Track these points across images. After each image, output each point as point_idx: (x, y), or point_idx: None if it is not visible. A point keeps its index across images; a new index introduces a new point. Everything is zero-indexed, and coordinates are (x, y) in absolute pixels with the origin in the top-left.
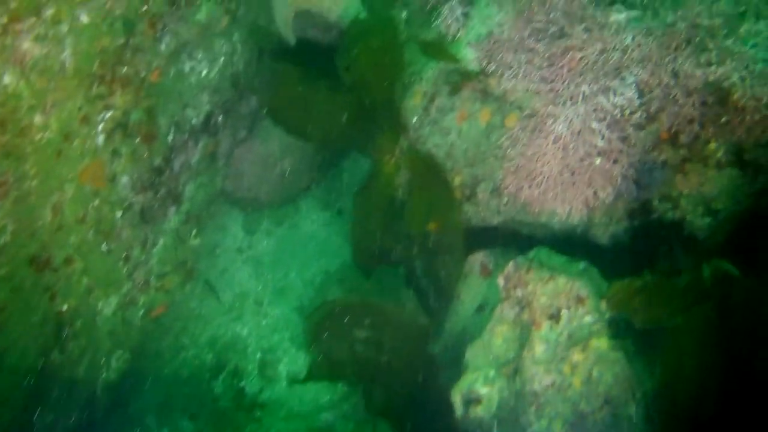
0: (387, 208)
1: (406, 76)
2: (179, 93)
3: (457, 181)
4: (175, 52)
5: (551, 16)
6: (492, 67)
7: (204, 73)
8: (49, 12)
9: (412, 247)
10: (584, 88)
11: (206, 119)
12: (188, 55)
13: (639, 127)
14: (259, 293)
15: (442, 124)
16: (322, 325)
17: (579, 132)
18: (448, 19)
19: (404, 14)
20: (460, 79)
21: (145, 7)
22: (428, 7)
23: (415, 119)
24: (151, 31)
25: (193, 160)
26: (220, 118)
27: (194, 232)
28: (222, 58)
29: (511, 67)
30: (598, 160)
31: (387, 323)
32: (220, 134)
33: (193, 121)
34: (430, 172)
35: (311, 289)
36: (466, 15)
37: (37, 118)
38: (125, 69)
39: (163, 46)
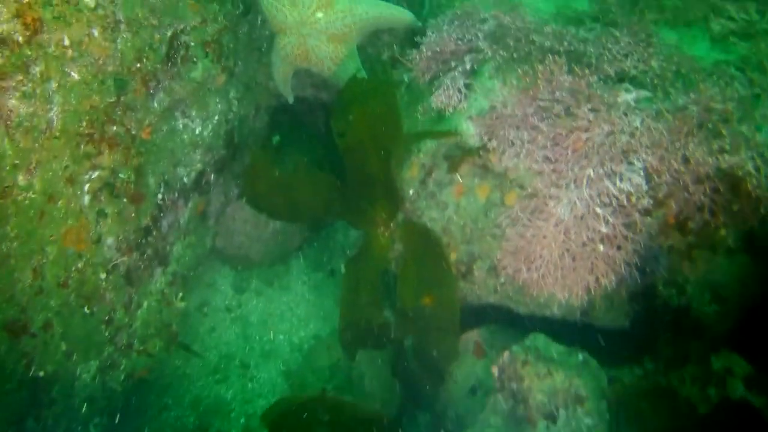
0: (378, 282)
1: (404, 146)
2: (171, 151)
3: (452, 257)
4: (168, 109)
5: (557, 94)
6: (493, 143)
7: (198, 131)
8: (37, 69)
9: (404, 324)
10: (589, 171)
11: (198, 178)
12: (182, 112)
13: (646, 212)
14: (246, 355)
15: (439, 198)
16: (279, 423)
17: (582, 216)
18: (449, 89)
19: (405, 79)
20: (459, 153)
21: (138, 65)
22: (429, 75)
23: (411, 191)
24: (143, 89)
25: (182, 220)
26: (212, 177)
27: (180, 294)
28: (216, 116)
29: (513, 145)
30: (601, 247)
31: (348, 421)
32: (211, 193)
33: (184, 180)
34: (426, 246)
35: (299, 355)
36: (468, 86)
37: (21, 178)
38: (115, 127)
39: (155, 104)
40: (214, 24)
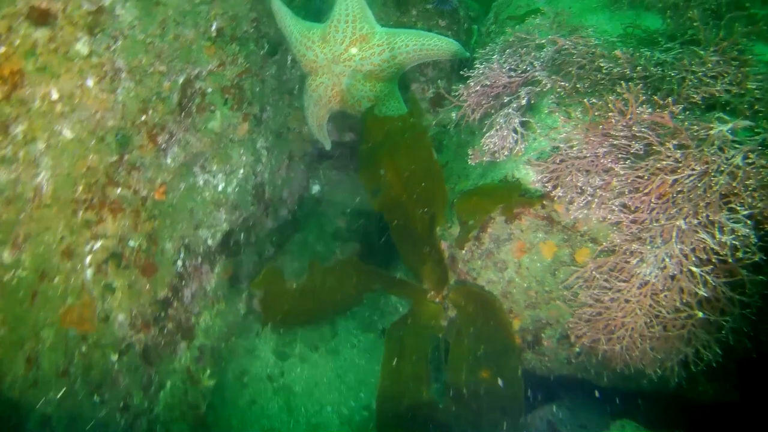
0: (425, 352)
1: (448, 203)
2: (190, 212)
3: (516, 324)
4: (184, 165)
5: (634, 129)
6: (559, 192)
7: (221, 187)
8: (19, 129)
9: (456, 404)
10: (680, 221)
11: (224, 239)
12: (201, 167)
13: (756, 270)
14: (290, 430)
15: (497, 257)
16: None
17: (673, 276)
18: (502, 130)
19: (453, 117)
20: (519, 204)
21: (144, 117)
22: (480, 113)
23: (464, 250)
24: (151, 144)
25: (208, 287)
26: (241, 236)
27: (208, 371)
28: (242, 170)
29: (582, 192)
30: (700, 313)
31: None
32: (242, 254)
33: (209, 243)
34: (483, 311)
35: (349, 428)
36: (524, 125)
37: (6, 256)
38: (119, 190)
39: (169, 160)
40: (234, 67)
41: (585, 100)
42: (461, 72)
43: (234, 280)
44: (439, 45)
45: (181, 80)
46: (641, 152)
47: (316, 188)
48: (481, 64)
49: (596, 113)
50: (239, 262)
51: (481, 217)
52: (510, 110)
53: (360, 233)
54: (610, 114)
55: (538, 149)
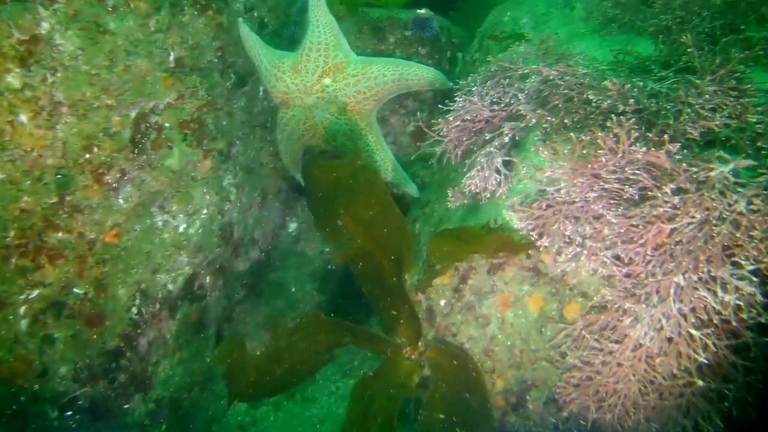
0: (393, 416)
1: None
2: (147, 255)
3: (499, 385)
4: (140, 205)
5: (627, 171)
6: (545, 241)
7: (181, 228)
8: None
9: None
10: (678, 277)
11: (187, 283)
12: (159, 207)
13: (762, 332)
14: None
15: (478, 311)
16: None
17: (671, 340)
18: (485, 171)
19: (435, 154)
20: (502, 254)
21: (88, 155)
22: (461, 149)
23: (443, 302)
24: (97, 185)
25: (168, 335)
26: (207, 280)
27: (164, 426)
28: (206, 210)
29: (571, 242)
30: (700, 381)
31: None
32: (208, 299)
33: (169, 287)
34: (462, 374)
35: None
36: (508, 165)
37: None
38: (60, 234)
39: (121, 200)
40: (194, 100)
41: (573, 135)
42: (440, 106)
43: (199, 326)
44: (419, 74)
45: (133, 114)
46: (635, 197)
47: (293, 226)
48: (461, 96)
49: (584, 151)
50: (205, 306)
51: (451, 263)
52: (492, 148)
53: (340, 273)
54: (600, 152)
55: (522, 192)
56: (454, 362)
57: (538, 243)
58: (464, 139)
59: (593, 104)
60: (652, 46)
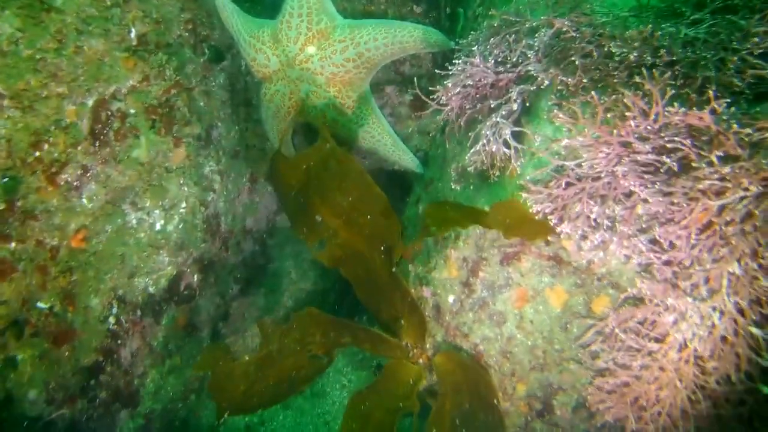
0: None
1: (402, 238)
2: (122, 258)
3: (520, 390)
4: (109, 203)
5: (663, 137)
6: (566, 227)
7: (158, 226)
8: None
9: None
10: (732, 265)
11: (171, 284)
12: (132, 204)
13: None
14: None
15: (493, 308)
16: None
17: (724, 339)
18: (492, 145)
19: (438, 124)
20: (516, 241)
21: (38, 153)
22: (464, 119)
23: (451, 298)
24: (52, 186)
25: (154, 342)
26: (195, 278)
27: None
28: (184, 203)
29: (597, 225)
30: (765, 388)
31: None
32: (198, 298)
33: (150, 290)
34: (472, 387)
35: None
36: (518, 137)
37: None
38: (12, 245)
39: (85, 200)
40: (161, 82)
41: (594, 95)
42: (437, 71)
43: (190, 328)
44: (415, 35)
45: (90, 102)
46: (675, 168)
47: None
48: (461, 58)
49: (609, 115)
50: (195, 307)
51: (448, 228)
52: (498, 118)
53: None
54: (628, 115)
55: (536, 169)
56: (466, 374)
57: (559, 229)
58: (467, 107)
59: (616, 58)
60: None
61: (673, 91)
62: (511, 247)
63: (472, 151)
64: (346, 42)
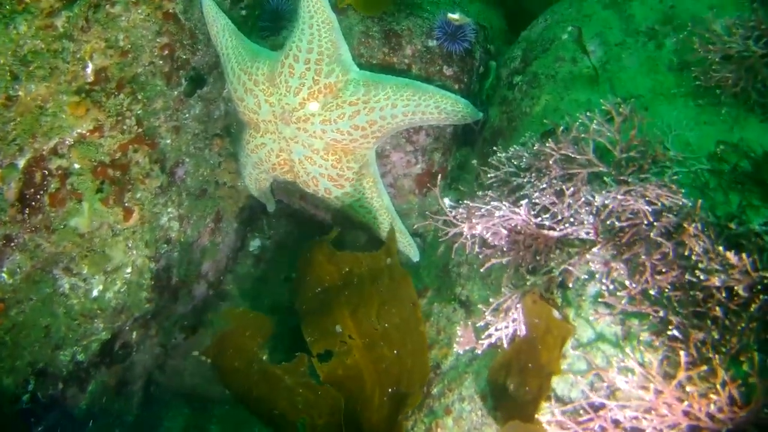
0: None
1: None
2: (46, 330)
3: None
4: (36, 272)
5: None
6: None
7: (95, 293)
8: None
9: None
10: None
11: (104, 348)
12: (65, 270)
13: None
14: None
15: None
16: None
17: None
18: (517, 321)
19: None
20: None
21: None
22: (479, 255)
23: None
24: None
25: (76, 411)
26: (133, 335)
27: None
28: (129, 267)
29: None
30: None
31: None
32: (134, 355)
33: (78, 359)
34: None
35: None
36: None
37: None
38: None
39: (4, 274)
40: (118, 134)
41: (681, 351)
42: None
43: (121, 386)
44: (441, 106)
45: (22, 163)
46: None
47: (255, 244)
48: (496, 194)
49: (691, 372)
50: (129, 365)
51: None
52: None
53: None
54: (712, 396)
55: (567, 382)
56: None
57: None
58: (489, 239)
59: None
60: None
61: None
62: None
63: (490, 317)
64: (359, 106)
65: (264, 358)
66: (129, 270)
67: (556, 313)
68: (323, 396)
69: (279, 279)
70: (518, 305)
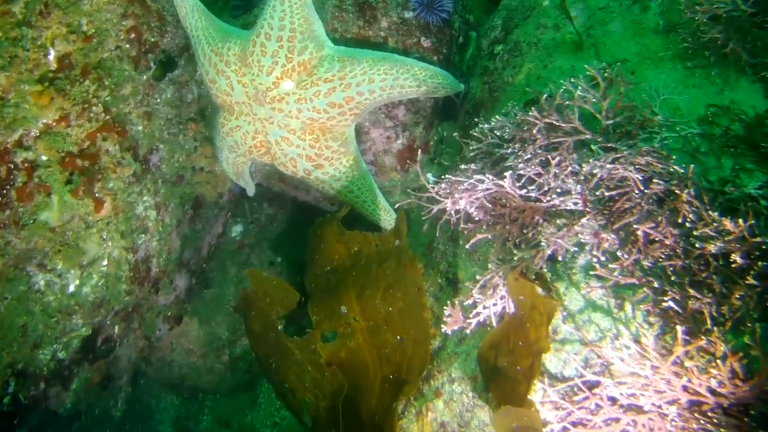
0: None
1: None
2: (22, 329)
3: None
4: (9, 269)
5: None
6: None
7: (72, 287)
8: None
9: None
10: None
11: (86, 344)
12: (39, 266)
13: None
14: None
15: None
16: None
17: None
18: (506, 298)
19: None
20: None
21: None
22: (465, 230)
23: None
24: None
25: (61, 409)
26: (116, 329)
27: None
28: (105, 260)
29: None
30: None
31: None
32: (117, 350)
33: (59, 356)
34: None
35: None
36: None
37: None
38: None
39: None
40: (84, 122)
41: (678, 330)
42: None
43: (106, 381)
44: (420, 79)
45: None
46: None
47: (237, 229)
48: (481, 165)
49: (689, 347)
50: (114, 360)
51: None
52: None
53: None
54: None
55: (561, 360)
56: None
57: None
58: (474, 215)
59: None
60: (761, 95)
61: None
62: None
63: (477, 295)
64: (334, 82)
65: (279, 328)
66: (105, 263)
67: (539, 290)
68: (329, 378)
69: (264, 263)
70: (506, 281)
